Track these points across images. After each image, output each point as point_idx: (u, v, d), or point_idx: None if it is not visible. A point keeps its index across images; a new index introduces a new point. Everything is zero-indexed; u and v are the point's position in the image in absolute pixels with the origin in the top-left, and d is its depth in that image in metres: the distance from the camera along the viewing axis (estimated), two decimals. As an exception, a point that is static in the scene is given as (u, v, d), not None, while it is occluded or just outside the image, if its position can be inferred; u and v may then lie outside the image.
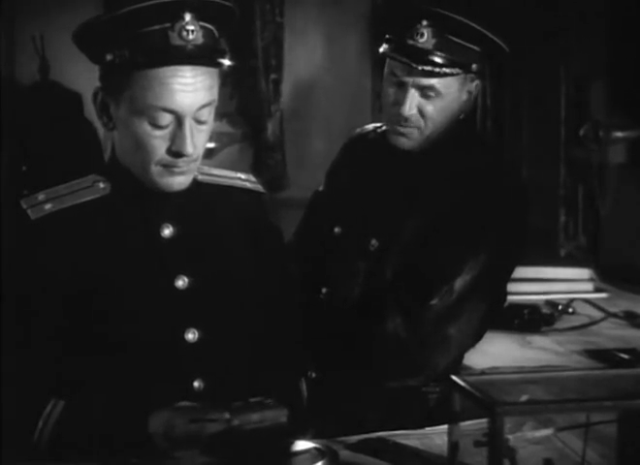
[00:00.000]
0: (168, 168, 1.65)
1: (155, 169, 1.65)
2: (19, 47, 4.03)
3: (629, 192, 3.82)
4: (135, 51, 1.60)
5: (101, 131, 4.00)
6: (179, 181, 1.67)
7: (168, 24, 1.59)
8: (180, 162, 1.64)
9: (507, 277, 2.19)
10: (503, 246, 2.10)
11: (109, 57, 1.62)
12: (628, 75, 3.73)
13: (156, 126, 1.61)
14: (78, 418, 1.62)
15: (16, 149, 3.80)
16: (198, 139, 1.64)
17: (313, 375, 2.07)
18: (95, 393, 1.65)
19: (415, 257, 2.07)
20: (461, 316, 2.06)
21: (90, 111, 3.95)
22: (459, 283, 2.03)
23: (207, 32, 1.62)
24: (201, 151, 1.67)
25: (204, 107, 1.63)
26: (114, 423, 1.61)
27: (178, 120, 1.61)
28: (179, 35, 1.59)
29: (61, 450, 1.60)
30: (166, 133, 1.62)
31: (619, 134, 3.78)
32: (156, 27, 1.59)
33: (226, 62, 1.64)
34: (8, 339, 1.63)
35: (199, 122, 1.63)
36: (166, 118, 1.61)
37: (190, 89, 1.60)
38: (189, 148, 1.62)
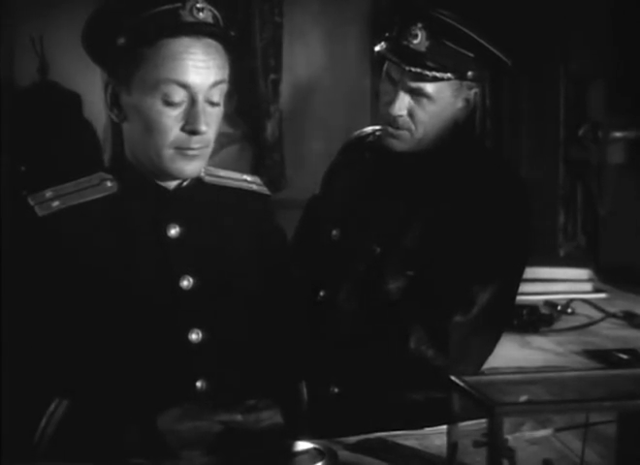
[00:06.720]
0: (181, 150, 1.65)
1: (168, 152, 1.65)
2: (19, 48, 4.03)
3: (628, 192, 3.82)
4: (147, 29, 1.62)
5: (100, 131, 4.01)
6: (192, 168, 1.68)
7: (179, 4, 1.63)
8: (194, 142, 1.65)
9: (520, 279, 2.15)
10: (515, 251, 2.08)
11: (121, 41, 1.64)
12: (627, 75, 3.73)
13: (169, 103, 1.63)
14: (81, 418, 1.62)
15: (15, 149, 3.80)
16: (210, 119, 1.66)
17: (335, 390, 2.05)
18: (99, 393, 1.65)
19: (428, 269, 2.04)
20: (484, 328, 2.04)
21: (89, 112, 3.97)
22: (482, 297, 2.00)
23: (214, 15, 1.67)
24: (212, 136, 1.68)
25: (216, 84, 1.65)
26: (118, 423, 1.61)
27: (191, 98, 1.63)
28: (190, 13, 1.63)
29: (63, 450, 1.60)
30: (179, 112, 1.64)
31: (618, 134, 3.79)
32: (168, 7, 1.63)
33: (234, 35, 1.68)
34: (12, 337, 1.63)
35: (211, 103, 1.65)
36: (179, 94, 1.63)
37: (202, 66, 1.63)
38: (202, 126, 1.63)
